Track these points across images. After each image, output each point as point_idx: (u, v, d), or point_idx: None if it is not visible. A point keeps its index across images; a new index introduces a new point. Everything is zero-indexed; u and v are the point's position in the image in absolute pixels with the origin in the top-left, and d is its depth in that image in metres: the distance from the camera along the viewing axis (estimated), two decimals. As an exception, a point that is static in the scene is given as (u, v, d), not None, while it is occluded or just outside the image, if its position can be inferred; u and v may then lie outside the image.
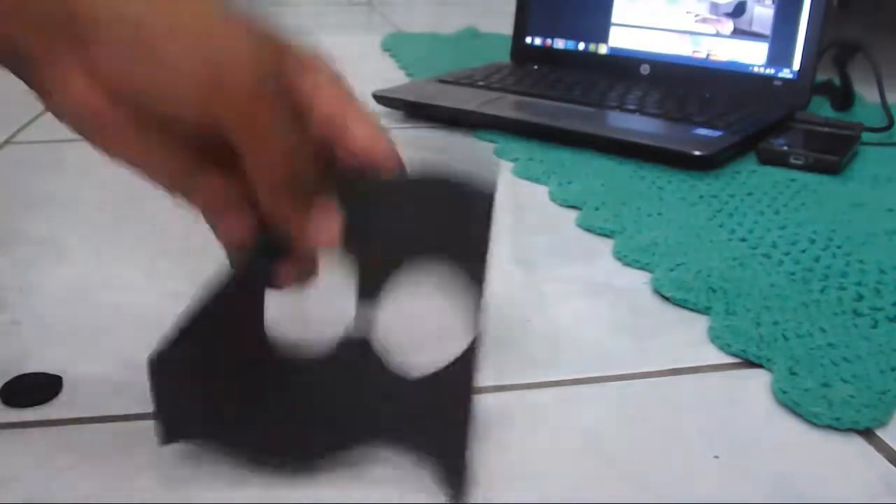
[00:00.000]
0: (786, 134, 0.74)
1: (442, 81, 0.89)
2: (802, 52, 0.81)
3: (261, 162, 0.30)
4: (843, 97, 0.86)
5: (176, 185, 0.32)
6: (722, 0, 0.85)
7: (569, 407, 0.38)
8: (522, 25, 0.99)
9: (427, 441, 0.33)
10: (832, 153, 0.69)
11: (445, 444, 0.32)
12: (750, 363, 0.42)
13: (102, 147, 0.31)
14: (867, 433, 0.37)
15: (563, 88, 0.86)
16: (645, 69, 0.90)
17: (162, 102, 0.29)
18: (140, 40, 0.28)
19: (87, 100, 0.29)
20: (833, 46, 0.85)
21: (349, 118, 0.32)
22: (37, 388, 0.38)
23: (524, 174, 0.68)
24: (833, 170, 0.68)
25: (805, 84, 0.81)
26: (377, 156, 0.33)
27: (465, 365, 0.31)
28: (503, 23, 1.05)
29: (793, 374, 0.40)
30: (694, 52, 0.87)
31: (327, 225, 0.32)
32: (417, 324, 0.41)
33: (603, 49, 0.93)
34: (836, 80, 0.87)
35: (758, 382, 0.40)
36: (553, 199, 0.63)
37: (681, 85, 0.86)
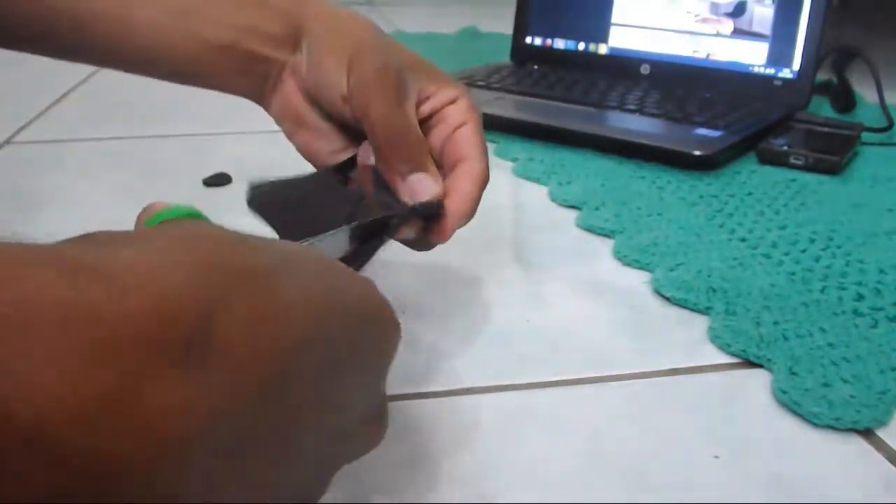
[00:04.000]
0: (786, 134, 0.74)
1: (442, 81, 0.89)
2: (802, 52, 0.81)
3: (378, 130, 0.39)
4: (844, 102, 0.86)
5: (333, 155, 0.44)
6: (722, 0, 0.85)
7: (569, 407, 0.38)
8: (522, 25, 0.99)
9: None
10: (832, 153, 0.69)
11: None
12: (750, 363, 0.42)
13: (295, 135, 0.44)
14: (867, 433, 0.37)
15: (563, 88, 0.86)
16: (645, 69, 0.90)
17: (326, 97, 0.41)
18: (311, 55, 0.41)
19: (294, 98, 0.42)
20: (832, 52, 0.85)
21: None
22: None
23: (524, 174, 0.68)
24: (833, 170, 0.68)
25: (805, 84, 0.81)
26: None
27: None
28: (503, 23, 1.05)
29: (793, 374, 0.40)
30: (694, 52, 0.87)
31: (427, 183, 0.38)
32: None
33: (603, 49, 0.93)
34: (836, 82, 0.87)
35: (758, 382, 0.40)
36: (553, 199, 0.63)
37: (681, 85, 0.86)
